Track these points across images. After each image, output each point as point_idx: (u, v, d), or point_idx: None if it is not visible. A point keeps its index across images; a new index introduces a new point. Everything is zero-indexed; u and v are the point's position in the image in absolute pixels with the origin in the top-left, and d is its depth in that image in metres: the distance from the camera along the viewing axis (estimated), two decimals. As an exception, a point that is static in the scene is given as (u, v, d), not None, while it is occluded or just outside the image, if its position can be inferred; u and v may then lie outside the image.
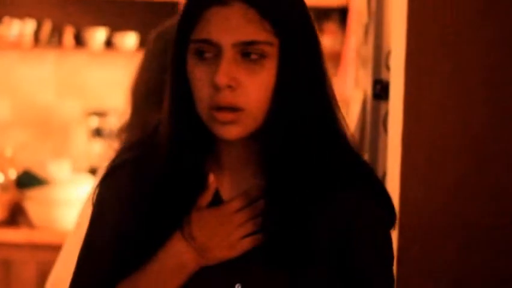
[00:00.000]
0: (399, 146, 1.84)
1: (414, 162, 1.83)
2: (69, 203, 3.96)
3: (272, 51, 1.32)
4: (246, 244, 1.35)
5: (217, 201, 1.38)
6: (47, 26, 4.42)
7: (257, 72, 1.32)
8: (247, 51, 1.31)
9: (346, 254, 1.36)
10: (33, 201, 3.98)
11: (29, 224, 4.03)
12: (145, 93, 2.22)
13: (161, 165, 1.38)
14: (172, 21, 2.27)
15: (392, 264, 1.39)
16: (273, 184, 1.35)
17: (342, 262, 1.36)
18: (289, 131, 1.34)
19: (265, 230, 1.35)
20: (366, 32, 2.20)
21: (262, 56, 1.32)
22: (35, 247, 3.92)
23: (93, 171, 4.34)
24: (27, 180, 4.01)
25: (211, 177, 1.36)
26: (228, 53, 1.31)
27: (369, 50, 2.16)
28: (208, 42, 1.32)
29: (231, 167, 1.39)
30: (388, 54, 2.04)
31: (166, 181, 1.37)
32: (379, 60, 2.09)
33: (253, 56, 1.31)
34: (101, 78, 4.54)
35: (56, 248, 3.89)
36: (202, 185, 1.36)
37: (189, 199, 1.36)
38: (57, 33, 4.44)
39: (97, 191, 1.43)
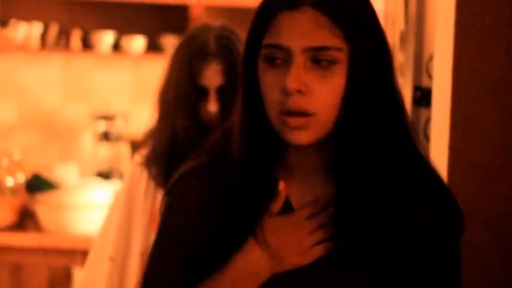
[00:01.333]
0: (445, 154, 1.84)
1: (462, 171, 1.82)
2: (79, 207, 3.93)
3: (342, 56, 1.32)
4: (318, 251, 1.36)
5: (287, 208, 1.38)
6: (54, 29, 4.39)
7: (327, 78, 1.32)
8: (317, 58, 1.31)
9: (415, 258, 1.36)
10: (43, 205, 3.95)
11: (38, 228, 4.00)
12: (173, 98, 2.21)
13: (232, 172, 1.38)
14: (200, 27, 2.26)
15: (460, 269, 1.39)
16: (342, 191, 1.35)
17: (411, 266, 1.36)
18: (359, 137, 1.35)
19: (336, 237, 1.34)
20: (402, 39, 2.20)
21: (332, 61, 1.32)
22: (45, 251, 3.89)
23: (101, 175, 4.32)
24: (37, 184, 3.98)
25: (282, 185, 1.36)
26: (298, 58, 1.31)
27: (408, 57, 2.15)
28: (278, 47, 1.32)
29: (301, 174, 1.40)
30: (429, 60, 2.04)
31: (237, 188, 1.38)
32: (419, 66, 2.08)
33: (323, 62, 1.31)
34: (109, 82, 4.52)
35: (65, 252, 3.89)
36: (273, 192, 1.36)
37: (260, 206, 1.37)
38: (64, 36, 4.41)
39: (165, 199, 1.43)
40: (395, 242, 1.36)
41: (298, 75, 1.30)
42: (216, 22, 2.25)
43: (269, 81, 1.33)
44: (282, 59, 1.32)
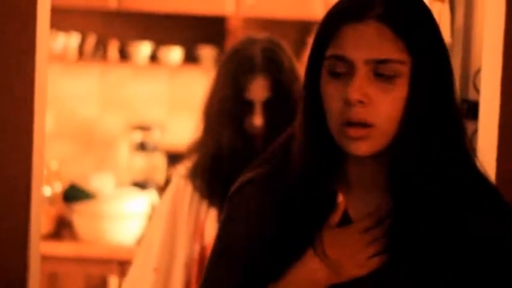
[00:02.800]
0: (493, 167, 1.83)
1: (509, 184, 1.81)
2: (114, 216, 3.96)
3: (404, 69, 1.33)
4: (374, 263, 1.37)
5: (345, 220, 1.39)
6: (91, 40, 4.43)
7: (389, 90, 1.33)
8: (379, 71, 1.32)
9: (472, 275, 1.35)
10: (79, 215, 3.98)
11: (75, 237, 4.03)
12: (218, 112, 2.22)
13: (292, 183, 1.39)
14: (245, 40, 2.27)
15: None
16: (399, 205, 1.35)
17: (467, 283, 1.35)
18: (417, 151, 1.35)
19: (391, 250, 1.35)
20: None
21: (395, 74, 1.33)
22: (81, 260, 3.91)
23: (136, 185, 4.34)
24: (74, 194, 4.01)
25: (341, 197, 1.37)
26: (361, 70, 1.32)
27: (455, 70, 2.14)
28: (341, 58, 1.33)
29: (359, 187, 1.40)
30: (476, 73, 2.03)
31: (296, 199, 1.39)
32: (466, 79, 2.08)
33: (386, 75, 1.32)
34: (145, 92, 4.54)
35: (101, 262, 3.91)
36: (332, 204, 1.38)
37: (319, 218, 1.38)
38: (101, 47, 4.44)
39: (225, 208, 1.44)
40: (451, 257, 1.35)
41: (361, 86, 1.32)
42: (262, 35, 2.25)
43: (332, 92, 1.34)
44: (345, 70, 1.33)
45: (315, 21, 4.53)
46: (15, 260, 2.11)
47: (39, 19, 2.13)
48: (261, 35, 2.26)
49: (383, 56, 1.32)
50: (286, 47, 2.26)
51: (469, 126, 2.14)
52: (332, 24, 1.35)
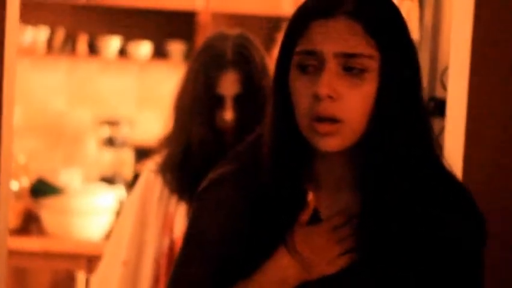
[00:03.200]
0: (459, 164, 1.85)
1: (476, 182, 1.83)
2: (82, 212, 3.94)
3: (373, 65, 1.34)
4: (343, 261, 1.38)
5: (316, 218, 1.40)
6: (60, 33, 4.40)
7: (358, 86, 1.34)
8: (348, 66, 1.33)
9: (438, 268, 1.37)
10: (47, 210, 3.95)
11: (42, 232, 4.00)
12: (189, 106, 2.21)
13: (262, 180, 1.39)
14: (217, 35, 2.27)
15: (482, 279, 1.41)
16: (367, 203, 1.36)
17: (434, 276, 1.37)
18: (386, 147, 1.36)
19: (360, 247, 1.36)
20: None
21: (364, 69, 1.34)
22: (48, 255, 3.89)
23: (105, 180, 4.33)
24: (41, 189, 3.98)
25: (311, 195, 1.38)
26: (330, 64, 1.33)
27: (422, 67, 2.16)
28: (310, 52, 1.34)
29: (329, 185, 1.41)
30: (444, 71, 2.05)
31: (266, 196, 1.39)
32: (434, 77, 2.10)
33: (355, 70, 1.33)
34: (114, 87, 4.53)
35: (69, 257, 3.89)
36: (302, 202, 1.38)
37: (289, 215, 1.38)
38: (70, 41, 4.42)
39: (195, 204, 1.44)
40: (420, 255, 1.37)
41: (330, 81, 1.32)
42: (233, 31, 2.26)
43: (301, 87, 1.35)
44: (314, 66, 1.34)
45: (284, 18, 4.55)
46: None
47: (8, 12, 2.11)
48: (233, 30, 2.27)
49: (352, 51, 1.32)
50: (258, 43, 2.26)
51: (436, 123, 2.16)
52: (302, 20, 1.36)
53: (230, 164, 1.45)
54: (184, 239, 1.45)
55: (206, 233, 1.42)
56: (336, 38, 1.33)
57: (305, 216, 1.38)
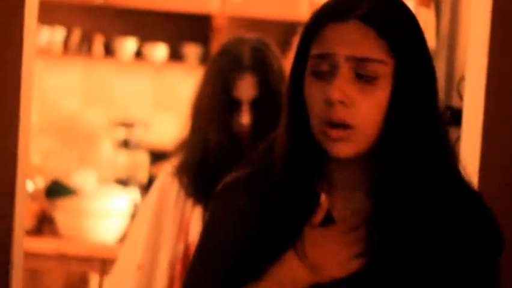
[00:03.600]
0: (476, 173, 1.85)
1: (493, 191, 1.83)
2: (96, 213, 3.95)
3: (386, 70, 1.34)
4: (355, 265, 1.37)
5: (328, 220, 1.40)
6: (76, 34, 4.42)
7: (370, 92, 1.34)
8: (361, 71, 1.33)
9: (452, 276, 1.37)
10: (61, 211, 3.97)
11: (56, 234, 4.02)
12: (206, 110, 2.22)
13: (275, 183, 1.40)
14: (234, 39, 2.28)
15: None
16: (380, 207, 1.36)
17: (448, 284, 1.37)
18: (400, 153, 1.35)
19: (370, 252, 1.36)
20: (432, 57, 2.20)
21: (376, 76, 1.34)
22: (62, 257, 3.90)
23: (119, 182, 4.34)
24: (56, 190, 4.00)
25: (323, 197, 1.38)
26: (343, 69, 1.33)
27: (439, 76, 2.16)
28: (323, 56, 1.35)
29: (342, 187, 1.41)
30: (460, 80, 2.05)
31: (279, 199, 1.40)
32: (451, 86, 2.09)
33: (367, 76, 1.33)
34: (129, 89, 4.54)
35: (83, 259, 3.90)
36: (315, 204, 1.38)
37: (302, 217, 1.39)
38: (86, 42, 4.44)
39: (210, 207, 1.45)
40: (432, 259, 1.37)
41: (342, 86, 1.33)
42: (251, 35, 2.27)
43: (314, 92, 1.35)
44: (327, 71, 1.35)
45: (300, 22, 4.55)
46: (-1, 256, 2.10)
47: (27, 13, 2.12)
48: (250, 34, 2.28)
49: (364, 54, 1.32)
50: (275, 47, 2.27)
51: (452, 133, 2.16)
52: (316, 24, 1.37)
53: (245, 168, 1.46)
54: (198, 242, 1.46)
55: (219, 236, 1.43)
56: (349, 41, 1.33)
57: (318, 217, 1.38)
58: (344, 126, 1.33)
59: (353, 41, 1.33)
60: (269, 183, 1.41)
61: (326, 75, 1.35)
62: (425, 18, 2.27)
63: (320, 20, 1.37)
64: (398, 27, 1.35)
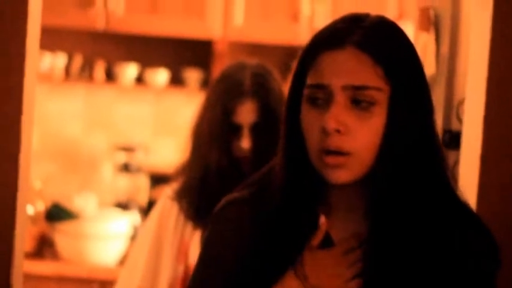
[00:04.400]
0: (474, 196, 1.86)
1: (491, 214, 1.83)
2: (97, 237, 3.96)
3: (382, 97, 1.35)
4: (353, 285, 1.38)
5: (327, 242, 1.40)
6: (78, 60, 4.44)
7: (366, 119, 1.34)
8: (357, 99, 1.33)
9: None
10: (61, 234, 3.97)
11: (56, 257, 4.02)
12: (207, 134, 2.24)
13: (275, 205, 1.40)
14: (235, 65, 2.30)
15: None
16: (376, 230, 1.37)
17: None
18: (396, 176, 1.36)
19: (368, 274, 1.37)
20: (431, 82, 2.22)
21: (372, 102, 1.34)
22: (62, 280, 3.90)
23: (119, 206, 4.35)
24: (56, 213, 4.00)
25: (323, 219, 1.39)
26: (338, 97, 1.34)
27: (438, 100, 2.18)
28: (319, 86, 1.35)
29: (340, 209, 1.43)
30: (459, 104, 2.06)
31: (278, 220, 1.40)
32: (450, 110, 2.11)
33: (363, 103, 1.33)
34: (130, 114, 4.56)
35: (83, 281, 3.90)
36: (314, 226, 1.39)
37: (301, 239, 1.39)
38: (88, 68, 4.46)
39: (208, 226, 1.46)
40: (429, 278, 1.37)
41: (338, 115, 1.33)
42: (252, 60, 2.29)
43: (310, 120, 1.36)
44: (323, 99, 1.35)
45: (301, 46, 4.56)
46: (-1, 279, 2.11)
47: (28, 39, 2.14)
48: (251, 60, 2.30)
49: (360, 83, 1.33)
50: (276, 72, 2.29)
51: (451, 156, 2.17)
52: (311, 52, 1.37)
53: (244, 189, 1.47)
54: (197, 260, 1.46)
55: (217, 256, 1.44)
56: (344, 70, 1.33)
57: (317, 239, 1.39)
58: (340, 153, 1.34)
59: (349, 70, 1.34)
60: (268, 204, 1.42)
61: (322, 104, 1.35)
62: (425, 43, 2.28)
63: (315, 47, 1.37)
64: (394, 53, 1.36)
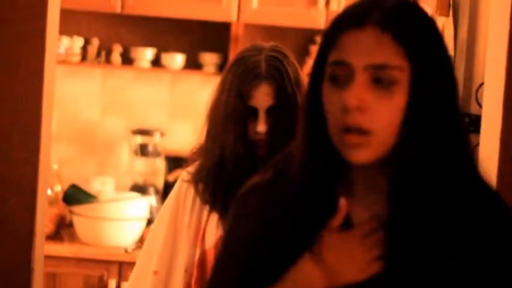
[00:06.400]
0: (494, 180, 1.85)
1: (510, 197, 1.83)
2: (114, 220, 3.98)
3: (403, 76, 1.34)
4: (373, 269, 1.37)
5: (347, 224, 1.40)
6: (94, 44, 4.45)
7: (387, 98, 1.34)
8: (378, 78, 1.34)
9: (473, 280, 1.37)
10: (79, 217, 4.00)
11: (74, 238, 4.05)
12: (222, 118, 2.23)
13: (294, 187, 1.41)
14: (251, 48, 2.29)
15: None
16: (396, 210, 1.37)
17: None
18: (418, 157, 1.36)
19: (389, 256, 1.36)
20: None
21: (393, 81, 1.34)
22: (80, 261, 3.94)
23: (136, 189, 4.36)
24: (74, 196, 4.02)
25: (343, 201, 1.38)
26: (359, 76, 1.34)
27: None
28: (341, 63, 1.35)
29: (362, 191, 1.42)
30: (478, 87, 2.06)
31: (298, 203, 1.40)
32: (469, 93, 2.10)
33: (384, 82, 1.33)
34: (147, 97, 4.57)
35: (101, 263, 3.93)
36: (334, 208, 1.38)
37: (320, 221, 1.39)
38: (104, 52, 4.47)
39: (231, 211, 1.47)
40: (451, 264, 1.37)
41: (358, 92, 1.33)
42: (267, 43, 2.27)
43: (332, 99, 1.36)
44: (344, 77, 1.35)
45: (317, 30, 4.56)
46: (20, 261, 2.12)
47: (49, 23, 2.15)
48: (267, 43, 2.28)
49: (381, 62, 1.33)
50: (292, 55, 2.28)
51: (471, 140, 2.16)
52: (334, 32, 1.38)
53: (265, 174, 1.47)
54: (221, 244, 1.48)
55: (237, 240, 1.45)
56: (365, 49, 1.34)
57: (337, 221, 1.38)
58: (360, 131, 1.33)
59: (370, 49, 1.34)
60: (289, 187, 1.42)
61: (343, 82, 1.35)
62: (443, 27, 2.28)
63: (338, 26, 1.38)
64: (415, 32, 1.35)
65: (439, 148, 1.36)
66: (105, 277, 3.94)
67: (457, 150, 1.38)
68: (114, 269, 3.94)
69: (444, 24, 2.24)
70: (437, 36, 1.39)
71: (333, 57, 1.37)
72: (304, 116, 1.42)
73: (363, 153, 1.35)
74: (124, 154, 4.57)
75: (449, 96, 1.38)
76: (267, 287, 1.40)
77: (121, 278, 3.92)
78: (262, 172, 1.49)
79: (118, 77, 4.57)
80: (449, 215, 1.37)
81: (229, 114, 2.22)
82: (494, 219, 1.40)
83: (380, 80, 1.34)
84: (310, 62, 4.18)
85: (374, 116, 1.34)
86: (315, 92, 1.40)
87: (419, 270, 1.36)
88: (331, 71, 1.37)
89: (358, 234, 1.39)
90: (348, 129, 1.34)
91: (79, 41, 4.42)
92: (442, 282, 1.37)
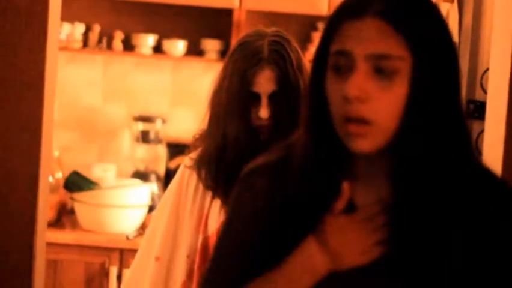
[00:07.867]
0: (499, 166, 1.85)
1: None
2: (115, 206, 3.98)
3: (404, 66, 1.34)
4: (376, 252, 1.38)
5: (350, 208, 1.41)
6: (96, 30, 4.44)
7: (388, 88, 1.34)
8: (379, 67, 1.33)
9: (478, 265, 1.37)
10: (81, 204, 3.99)
11: (76, 225, 4.05)
12: (225, 103, 2.22)
13: (297, 171, 1.40)
14: (253, 33, 2.27)
15: None
16: (399, 194, 1.37)
17: (473, 272, 1.36)
18: (420, 147, 1.36)
19: (392, 239, 1.36)
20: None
21: (394, 71, 1.34)
22: (82, 248, 3.93)
23: (138, 176, 4.36)
24: (76, 183, 4.02)
25: (346, 184, 1.38)
26: (360, 66, 1.34)
27: (462, 70, 2.16)
28: (342, 53, 1.35)
29: (364, 175, 1.43)
30: (483, 74, 2.05)
31: (301, 186, 1.40)
32: (474, 80, 2.09)
33: (386, 72, 1.33)
34: (148, 84, 4.56)
35: (102, 250, 3.93)
36: (337, 192, 1.39)
37: (324, 204, 1.39)
38: (106, 38, 4.45)
39: (233, 193, 1.47)
40: (454, 248, 1.37)
41: (359, 82, 1.33)
42: (270, 29, 2.26)
43: (334, 88, 1.37)
44: (346, 67, 1.35)
45: (320, 17, 4.55)
46: (22, 248, 2.12)
47: (51, 9, 2.14)
48: (269, 28, 2.27)
49: (382, 51, 1.33)
50: (294, 41, 2.27)
51: (476, 126, 2.16)
52: (335, 21, 1.38)
53: (265, 157, 1.47)
54: (223, 225, 1.48)
55: (239, 222, 1.45)
56: (367, 39, 1.34)
57: (340, 205, 1.39)
58: (361, 121, 1.34)
59: (370, 39, 1.34)
60: (291, 170, 1.42)
61: (345, 72, 1.35)
62: (448, 13, 2.26)
63: (339, 16, 1.38)
64: (417, 22, 1.35)
65: (440, 137, 1.36)
66: (106, 264, 3.94)
67: (456, 138, 1.38)
68: (115, 256, 3.94)
69: (449, 10, 2.23)
70: (440, 24, 1.38)
71: (335, 46, 1.37)
72: (307, 105, 1.42)
73: (364, 143, 1.35)
74: (126, 141, 4.56)
75: (451, 85, 1.38)
76: (270, 269, 1.40)
77: (123, 265, 3.92)
78: (264, 155, 1.49)
79: (120, 64, 4.56)
80: (452, 199, 1.37)
81: (231, 100, 2.21)
82: (499, 201, 1.40)
83: (381, 70, 1.34)
84: (312, 49, 4.17)
85: (375, 106, 1.34)
86: (318, 81, 1.40)
87: (423, 253, 1.36)
88: (333, 61, 1.37)
89: (361, 218, 1.39)
90: (349, 119, 1.34)
91: (80, 28, 4.40)
92: (446, 264, 1.37)
